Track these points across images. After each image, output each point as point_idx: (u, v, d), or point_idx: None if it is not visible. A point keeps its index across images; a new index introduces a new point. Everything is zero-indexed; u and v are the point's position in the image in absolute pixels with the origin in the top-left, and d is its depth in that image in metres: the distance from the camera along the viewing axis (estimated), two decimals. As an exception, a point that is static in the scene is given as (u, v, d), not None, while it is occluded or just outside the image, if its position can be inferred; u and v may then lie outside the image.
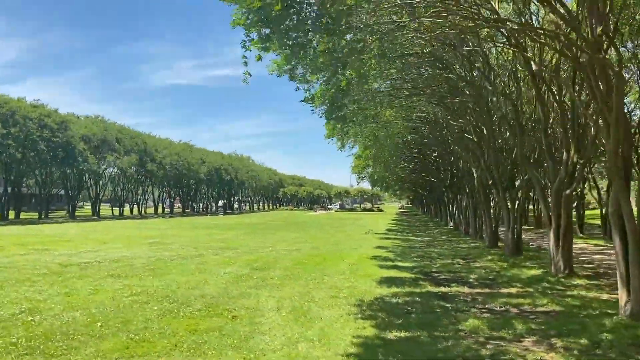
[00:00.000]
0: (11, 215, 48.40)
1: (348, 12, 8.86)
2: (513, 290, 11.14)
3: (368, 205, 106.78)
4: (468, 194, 26.94)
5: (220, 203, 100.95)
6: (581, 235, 27.39)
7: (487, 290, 11.18)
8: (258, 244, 22.47)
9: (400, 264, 15.59)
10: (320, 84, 11.65)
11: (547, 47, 12.36)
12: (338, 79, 10.37)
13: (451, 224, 37.36)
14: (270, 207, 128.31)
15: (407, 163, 37.09)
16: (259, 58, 8.32)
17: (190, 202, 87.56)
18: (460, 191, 30.36)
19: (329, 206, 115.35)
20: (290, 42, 8.01)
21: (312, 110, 13.12)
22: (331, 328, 7.69)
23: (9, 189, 48.32)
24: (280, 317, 8.33)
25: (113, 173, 59.27)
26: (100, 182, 59.07)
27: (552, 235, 13.00)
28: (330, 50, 9.38)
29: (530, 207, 38.65)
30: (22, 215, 51.36)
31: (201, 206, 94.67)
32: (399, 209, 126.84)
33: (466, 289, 11.21)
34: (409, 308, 9.34)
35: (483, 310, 9.26)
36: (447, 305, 9.61)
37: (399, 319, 8.44)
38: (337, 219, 56.75)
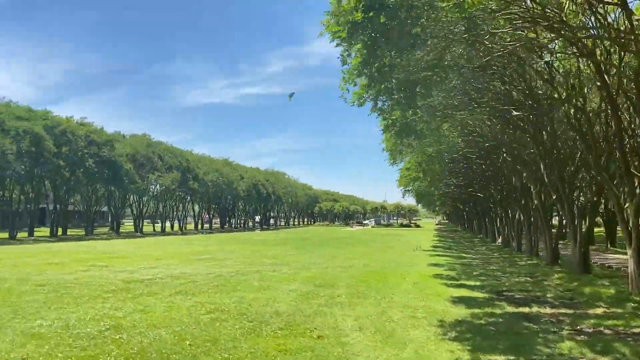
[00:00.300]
0: (58, 231, 49.59)
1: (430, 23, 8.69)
2: (599, 310, 10.59)
3: (405, 221, 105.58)
4: (522, 209, 26.19)
5: (256, 219, 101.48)
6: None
7: (570, 310, 10.66)
8: (309, 260, 22.25)
9: (465, 282, 15.12)
10: (392, 105, 11.45)
11: (626, 54, 11.88)
12: (414, 98, 10.20)
13: (499, 240, 36.42)
14: (305, 223, 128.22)
15: (453, 177, 36.46)
16: (354, 84, 8.22)
17: (228, 218, 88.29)
18: (511, 206, 29.56)
19: (364, 222, 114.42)
20: (375, 72, 7.90)
21: (389, 130, 12.96)
22: (425, 350, 7.41)
23: (57, 206, 49.62)
24: (367, 338, 8.07)
25: (156, 190, 60.23)
26: (144, 198, 60.10)
27: (632, 253, 12.37)
28: (405, 70, 9.25)
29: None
30: (69, 232, 52.65)
31: (238, 222, 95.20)
32: (436, 224, 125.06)
33: (548, 309, 10.72)
34: (493, 329, 8.96)
35: (574, 332, 8.79)
36: (534, 326, 9.19)
37: (488, 340, 8.09)
38: (377, 235, 56.11)
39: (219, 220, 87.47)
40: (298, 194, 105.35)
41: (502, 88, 16.55)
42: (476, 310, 10.46)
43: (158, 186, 58.42)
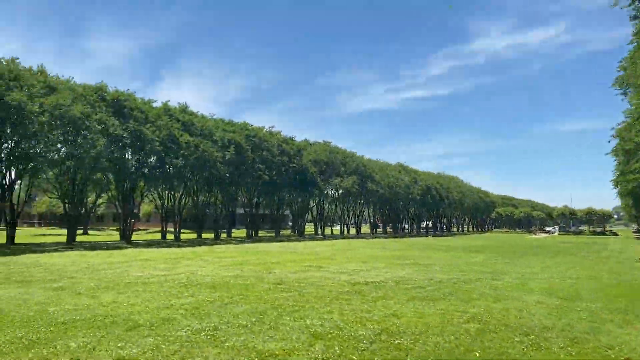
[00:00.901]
0: (252, 233, 53.81)
1: None
2: None
3: (598, 228, 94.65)
4: None
5: (429, 224, 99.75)
6: None
7: None
8: (522, 269, 20.51)
9: None
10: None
11: None
12: None
13: None
14: (480, 229, 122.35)
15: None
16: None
17: (400, 222, 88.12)
18: None
19: (547, 228, 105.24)
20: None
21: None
22: None
23: (252, 210, 53.99)
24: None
25: (336, 194, 62.43)
26: (324, 203, 62.65)
27: None
28: None
29: None
30: (259, 233, 57.03)
31: (411, 227, 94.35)
32: (633, 232, 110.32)
33: None
34: None
35: None
36: None
37: None
38: (574, 244, 50.75)
39: (387, 224, 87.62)
40: (473, 199, 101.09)
41: None
42: None
43: (337, 191, 60.51)
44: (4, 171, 32.17)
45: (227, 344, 7.35)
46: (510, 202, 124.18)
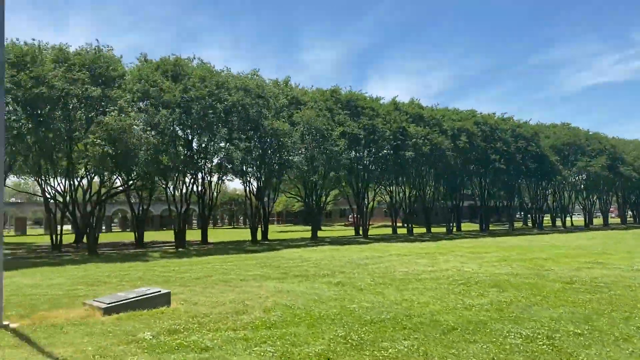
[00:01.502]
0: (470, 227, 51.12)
1: None
2: None
3: None
4: None
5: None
6: None
7: None
8: None
9: None
10: None
11: None
12: None
13: None
14: None
15: None
16: None
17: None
18: None
19: None
20: None
21: None
22: None
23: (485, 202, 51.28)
24: None
25: (578, 180, 55.78)
26: (566, 191, 56.48)
27: None
28: None
29: None
30: (490, 227, 53.84)
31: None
32: None
33: None
34: None
35: None
36: None
37: None
38: None
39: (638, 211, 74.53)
40: None
41: None
42: None
43: (581, 176, 53.88)
44: (258, 176, 35.80)
45: (580, 357, 6.05)
46: None
